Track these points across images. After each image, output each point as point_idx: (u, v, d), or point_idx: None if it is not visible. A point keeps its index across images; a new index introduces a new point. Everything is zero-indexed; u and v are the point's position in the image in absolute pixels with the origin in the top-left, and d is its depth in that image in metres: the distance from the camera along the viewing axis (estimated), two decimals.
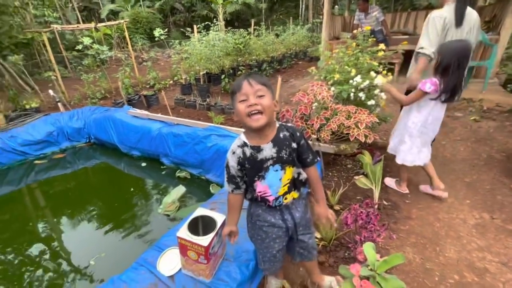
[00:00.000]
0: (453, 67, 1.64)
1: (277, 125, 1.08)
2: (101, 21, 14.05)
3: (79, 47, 6.16)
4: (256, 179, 1.08)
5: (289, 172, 1.10)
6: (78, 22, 12.34)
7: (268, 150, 1.04)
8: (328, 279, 1.42)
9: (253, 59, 7.81)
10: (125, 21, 7.79)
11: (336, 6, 13.05)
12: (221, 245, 1.37)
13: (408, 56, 3.65)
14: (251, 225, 1.27)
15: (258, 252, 1.32)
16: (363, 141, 1.93)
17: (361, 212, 1.59)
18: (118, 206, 2.81)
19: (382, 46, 2.31)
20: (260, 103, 0.96)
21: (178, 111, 4.94)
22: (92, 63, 8.04)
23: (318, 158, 1.33)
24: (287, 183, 1.11)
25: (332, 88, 2.36)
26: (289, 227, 1.19)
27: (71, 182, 3.40)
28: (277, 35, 9.51)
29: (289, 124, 1.13)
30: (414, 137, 1.94)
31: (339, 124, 1.98)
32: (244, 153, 1.05)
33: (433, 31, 1.95)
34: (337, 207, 2.08)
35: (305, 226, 1.23)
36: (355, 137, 1.99)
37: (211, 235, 1.22)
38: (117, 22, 8.43)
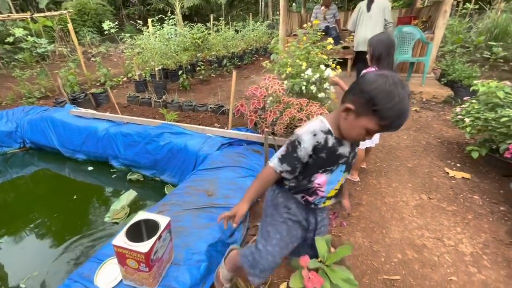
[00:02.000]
0: (383, 55, 1.80)
1: None
2: (40, 11, 12.54)
3: (10, 39, 5.40)
4: (321, 171, 0.98)
5: (345, 176, 1.06)
6: (11, 12, 10.84)
7: (347, 147, 0.97)
8: None
9: (213, 55, 7.64)
10: (68, 12, 7.02)
11: (294, 4, 13.34)
12: (167, 249, 1.28)
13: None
14: (274, 218, 1.10)
15: (265, 253, 1.09)
16: None
17: None
18: (58, 217, 2.51)
19: (330, 40, 2.38)
20: None
21: (131, 110, 4.60)
22: (30, 58, 7.12)
23: None
24: (338, 187, 1.07)
25: (286, 82, 2.37)
26: (309, 229, 1.14)
27: (1, 194, 2.96)
28: (236, 31, 9.43)
29: None
30: None
31: (291, 117, 1.99)
32: (326, 140, 0.93)
33: (353, 15, 3.79)
34: None
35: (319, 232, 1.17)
36: None
37: (152, 240, 1.12)
38: (58, 12, 7.57)
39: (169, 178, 2.76)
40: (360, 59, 3.95)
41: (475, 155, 2.35)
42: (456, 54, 7.33)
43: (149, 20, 7.56)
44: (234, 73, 2.81)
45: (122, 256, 1.14)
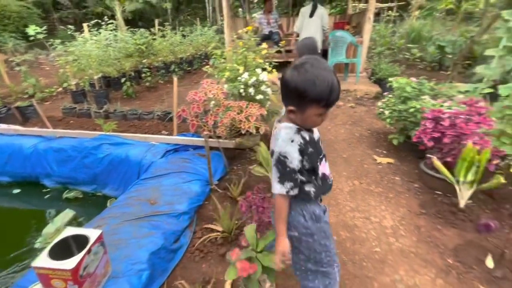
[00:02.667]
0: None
1: None
2: None
3: None
4: (319, 162, 1.00)
5: None
6: None
7: (317, 132, 1.03)
8: None
9: (160, 61, 7.38)
10: None
11: (240, 9, 13.61)
12: (101, 263, 1.23)
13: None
14: (316, 228, 1.03)
15: (324, 256, 1.05)
16: (254, 132, 2.07)
17: (254, 198, 1.70)
18: None
19: (264, 45, 2.54)
20: None
21: (67, 123, 4.20)
22: None
23: None
24: None
25: (225, 86, 2.44)
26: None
27: None
28: (184, 36, 9.27)
29: None
30: None
31: (231, 119, 2.06)
32: (303, 137, 0.94)
33: (299, 19, 4.55)
34: (239, 199, 2.18)
35: None
36: (257, 131, 2.12)
37: (79, 255, 1.08)
38: None
39: (112, 192, 2.61)
40: None
41: (395, 142, 2.71)
42: (383, 55, 8.31)
43: (85, 25, 7.01)
44: (175, 79, 2.78)
45: (45, 278, 1.06)
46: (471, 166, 1.82)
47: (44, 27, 6.55)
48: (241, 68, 2.34)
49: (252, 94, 2.32)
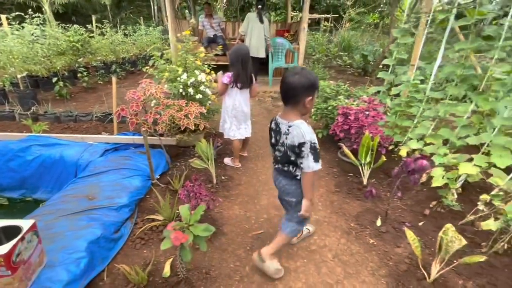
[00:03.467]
0: (236, 63, 2.29)
1: None
2: None
3: None
4: None
5: None
6: None
7: None
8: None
9: (99, 60, 6.94)
10: None
11: (187, 11, 13.51)
12: (35, 252, 1.28)
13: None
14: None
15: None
16: (193, 129, 2.26)
17: (192, 186, 1.89)
18: None
19: (202, 49, 2.74)
20: None
21: None
22: None
23: None
24: None
25: (165, 86, 2.57)
26: None
27: None
28: (125, 35, 8.86)
29: None
30: (230, 117, 2.50)
31: (169, 116, 2.21)
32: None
33: (244, 24, 4.99)
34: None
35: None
36: (196, 128, 2.31)
37: (13, 241, 1.13)
38: None
39: (44, 195, 2.49)
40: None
41: (320, 136, 3.19)
42: (321, 61, 9.23)
43: (3, 17, 6.25)
44: (114, 78, 2.79)
45: None
46: (368, 150, 2.32)
47: None
48: (180, 69, 2.50)
49: (192, 94, 2.50)
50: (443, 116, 2.33)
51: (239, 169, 2.77)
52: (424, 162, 1.70)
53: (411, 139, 2.50)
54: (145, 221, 1.99)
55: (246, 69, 2.34)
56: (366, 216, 2.13)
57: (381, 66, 7.12)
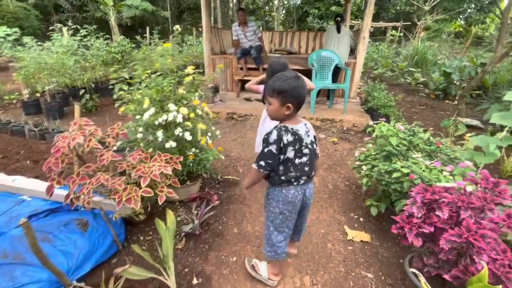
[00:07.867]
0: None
1: None
2: None
3: None
4: None
5: None
6: None
7: None
8: None
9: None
10: None
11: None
12: None
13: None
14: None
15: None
16: (136, 208, 1.32)
17: None
18: None
19: (190, 69, 1.83)
20: None
21: None
22: None
23: None
24: None
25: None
26: None
27: None
28: (179, 44, 8.90)
29: None
30: None
31: (98, 185, 1.32)
32: None
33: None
34: None
35: None
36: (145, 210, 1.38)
37: None
38: None
39: None
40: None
41: (374, 211, 1.94)
42: (384, 77, 7.58)
43: (64, 29, 6.53)
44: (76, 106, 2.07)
45: None
46: None
47: (15, 29, 6.09)
48: (146, 102, 1.61)
49: (160, 140, 1.60)
50: None
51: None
52: None
53: None
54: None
55: None
56: None
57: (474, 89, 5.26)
